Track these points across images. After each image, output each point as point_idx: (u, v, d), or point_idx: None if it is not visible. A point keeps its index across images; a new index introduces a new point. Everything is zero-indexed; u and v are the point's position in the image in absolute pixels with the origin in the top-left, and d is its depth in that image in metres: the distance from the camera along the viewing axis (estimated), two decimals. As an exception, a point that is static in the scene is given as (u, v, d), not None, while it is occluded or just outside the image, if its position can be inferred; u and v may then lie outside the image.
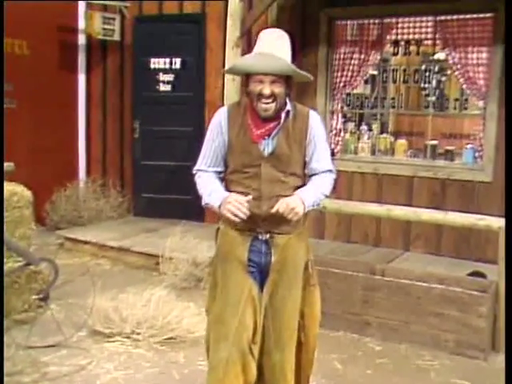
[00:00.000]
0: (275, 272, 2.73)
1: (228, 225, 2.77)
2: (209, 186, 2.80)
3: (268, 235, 2.71)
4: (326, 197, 2.83)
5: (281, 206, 2.59)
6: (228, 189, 2.78)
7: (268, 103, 2.62)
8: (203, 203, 2.80)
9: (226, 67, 2.79)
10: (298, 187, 2.75)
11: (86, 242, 6.29)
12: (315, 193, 2.75)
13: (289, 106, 2.73)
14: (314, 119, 2.79)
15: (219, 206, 2.68)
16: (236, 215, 2.59)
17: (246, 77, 2.69)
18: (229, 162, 2.79)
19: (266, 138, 2.69)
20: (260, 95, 2.62)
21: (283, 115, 2.70)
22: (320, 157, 2.78)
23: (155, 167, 7.22)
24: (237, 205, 2.59)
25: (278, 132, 2.70)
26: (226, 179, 2.82)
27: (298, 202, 2.62)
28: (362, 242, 6.07)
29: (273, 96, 2.61)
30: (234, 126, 2.74)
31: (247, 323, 2.69)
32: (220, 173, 2.85)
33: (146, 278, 5.48)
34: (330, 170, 2.82)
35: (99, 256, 6.14)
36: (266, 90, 2.60)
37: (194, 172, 2.89)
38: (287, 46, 2.70)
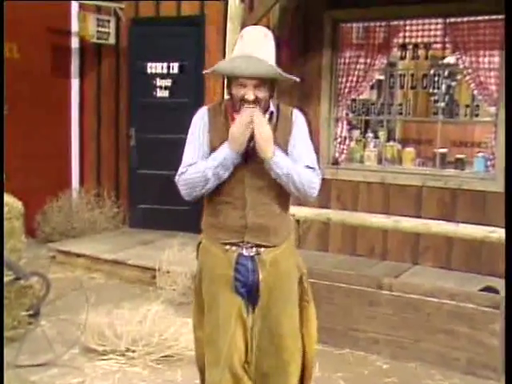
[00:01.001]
0: (265, 290, 2.69)
1: (210, 239, 2.74)
2: (202, 162, 2.66)
3: (254, 250, 2.67)
4: (302, 188, 2.63)
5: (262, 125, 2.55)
6: (208, 198, 2.74)
7: (250, 107, 2.59)
8: (210, 173, 2.61)
9: (208, 69, 2.75)
10: (286, 195, 2.71)
11: (79, 255, 6.28)
12: (292, 165, 2.60)
13: (272, 107, 2.71)
14: (298, 118, 2.76)
15: (229, 150, 2.59)
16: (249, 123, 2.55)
17: (228, 78, 2.67)
18: None
19: (249, 141, 2.62)
20: (243, 100, 2.59)
21: (267, 117, 2.68)
22: (302, 155, 2.68)
23: (152, 176, 7.21)
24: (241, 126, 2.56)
25: None
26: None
27: (271, 144, 2.56)
28: (369, 255, 6.05)
29: (256, 101, 2.59)
30: (216, 129, 2.71)
31: (238, 344, 2.69)
32: None
33: (142, 293, 5.48)
34: (314, 169, 2.69)
35: (93, 269, 6.13)
36: (250, 96, 2.57)
37: (176, 179, 2.74)
38: (271, 45, 2.67)
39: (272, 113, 2.71)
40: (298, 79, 2.71)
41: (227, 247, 2.69)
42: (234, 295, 2.69)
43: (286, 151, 2.67)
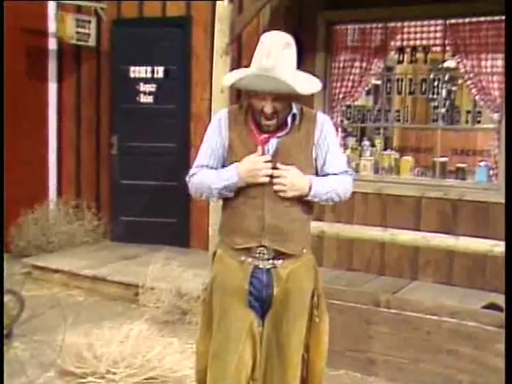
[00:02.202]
0: (278, 304, 2.75)
1: (226, 247, 2.80)
2: (212, 172, 2.76)
3: (270, 263, 2.72)
4: (340, 199, 2.84)
5: (282, 177, 2.64)
6: (225, 199, 2.80)
7: (269, 119, 2.66)
8: (215, 191, 2.73)
9: (227, 82, 2.78)
10: (304, 203, 2.77)
11: (56, 271, 6.25)
12: (328, 184, 2.75)
13: (295, 109, 2.76)
14: (322, 120, 2.82)
15: (238, 179, 2.68)
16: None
17: (247, 90, 2.72)
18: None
19: (270, 141, 2.71)
20: (262, 112, 2.65)
21: (289, 119, 2.73)
22: (333, 160, 2.80)
23: (135, 187, 7.20)
24: (257, 166, 2.64)
25: (283, 136, 2.73)
26: None
27: (303, 181, 2.67)
28: (365, 269, 6.04)
29: (275, 114, 2.65)
30: (236, 127, 2.77)
31: (246, 360, 2.75)
32: None
33: (124, 311, 5.46)
34: (347, 171, 2.84)
35: (71, 286, 6.10)
36: (268, 109, 2.63)
37: (188, 179, 2.83)
38: (293, 56, 2.69)
39: (294, 115, 2.76)
40: (319, 86, 2.78)
41: (243, 258, 2.74)
42: (246, 309, 2.75)
43: (308, 153, 2.75)
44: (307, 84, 2.70)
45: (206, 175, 2.75)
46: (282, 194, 2.66)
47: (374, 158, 6.36)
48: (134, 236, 7.17)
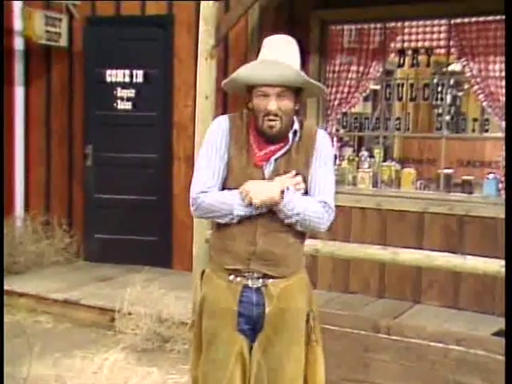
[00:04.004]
0: (270, 326, 2.78)
1: (215, 266, 2.85)
2: (230, 195, 2.77)
3: (261, 281, 2.77)
4: (308, 226, 2.80)
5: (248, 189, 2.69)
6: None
7: (273, 120, 2.70)
8: (231, 218, 2.77)
9: (225, 80, 2.85)
10: None
11: (21, 295, 6.21)
12: (305, 203, 2.75)
13: (296, 125, 2.81)
14: (322, 139, 2.87)
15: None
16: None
17: (249, 91, 2.77)
18: (224, 185, 2.83)
19: (268, 161, 2.77)
20: (265, 112, 2.70)
21: (291, 136, 2.79)
22: (318, 184, 2.82)
23: (111, 202, 7.18)
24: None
25: (282, 157, 2.79)
26: None
27: (272, 185, 2.70)
28: (363, 292, 6.05)
29: (279, 115, 2.70)
30: (236, 142, 2.81)
31: None
32: None
33: (99, 339, 5.42)
34: (326, 205, 2.80)
35: (39, 312, 6.06)
36: (272, 106, 2.69)
37: (196, 196, 2.80)
38: (296, 53, 2.80)
39: (296, 132, 2.81)
40: (325, 89, 2.88)
41: (231, 277, 2.79)
42: (235, 332, 2.80)
43: (306, 174, 2.80)
44: (313, 80, 2.80)
45: (225, 198, 2.77)
46: (248, 201, 2.69)
47: (373, 169, 6.38)
48: (109, 255, 7.15)
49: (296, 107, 2.79)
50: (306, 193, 2.80)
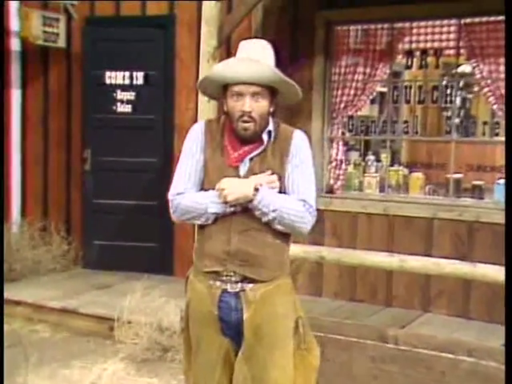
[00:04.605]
0: (250, 332, 2.81)
1: (197, 270, 2.91)
2: (205, 195, 2.84)
3: (239, 286, 2.80)
4: (289, 226, 2.81)
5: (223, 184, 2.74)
6: None
7: (247, 122, 2.75)
8: (207, 217, 2.83)
9: (200, 79, 2.94)
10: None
11: (18, 303, 6.21)
12: (281, 201, 2.78)
13: (271, 126, 2.85)
14: (298, 140, 2.90)
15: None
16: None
17: (224, 91, 2.83)
18: (202, 187, 2.89)
19: (243, 161, 2.83)
20: (240, 114, 2.75)
21: (265, 137, 2.83)
22: (294, 184, 2.84)
23: (110, 207, 7.19)
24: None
25: (256, 157, 2.83)
26: None
27: (245, 183, 2.75)
28: (370, 300, 6.04)
29: (253, 117, 2.74)
30: (211, 145, 2.88)
31: None
32: None
33: (97, 348, 5.42)
34: (306, 203, 2.81)
35: (35, 321, 6.05)
36: (247, 107, 2.73)
37: (172, 198, 2.91)
38: (272, 56, 2.87)
39: (270, 132, 2.85)
40: (301, 93, 2.88)
41: (211, 282, 2.83)
42: (220, 337, 2.85)
43: (282, 174, 2.83)
44: (290, 80, 2.83)
45: (200, 198, 2.84)
46: (223, 198, 2.74)
47: (380, 174, 6.39)
48: (108, 262, 7.15)
49: (271, 109, 2.83)
50: (281, 192, 2.82)
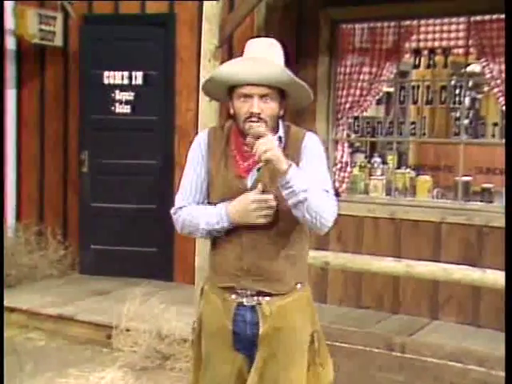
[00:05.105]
0: (265, 347, 2.77)
1: (211, 283, 2.88)
2: (201, 211, 2.80)
3: (255, 299, 2.76)
4: (316, 214, 2.60)
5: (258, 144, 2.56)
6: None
7: (256, 122, 2.64)
8: (204, 232, 2.80)
9: (204, 80, 2.87)
10: (297, 234, 2.77)
11: (12, 310, 6.19)
12: (308, 183, 2.59)
13: (281, 131, 2.78)
14: (310, 140, 2.81)
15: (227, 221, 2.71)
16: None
17: (230, 93, 2.74)
18: (208, 199, 2.85)
19: (252, 171, 2.74)
20: (247, 115, 2.65)
21: (276, 142, 2.70)
22: (314, 174, 2.69)
23: (109, 211, 7.19)
24: (250, 207, 2.66)
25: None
26: None
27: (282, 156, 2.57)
28: (376, 307, 6.04)
29: (262, 118, 2.64)
30: (215, 155, 2.81)
31: None
32: None
33: (95, 357, 5.41)
34: (327, 191, 2.69)
35: (31, 328, 6.05)
36: (255, 108, 2.64)
37: (173, 212, 2.90)
38: (281, 55, 2.79)
39: (280, 138, 2.76)
40: (312, 96, 2.81)
41: (226, 295, 2.80)
42: (233, 352, 2.81)
43: None
44: (300, 81, 2.74)
45: (195, 212, 2.81)
46: (258, 154, 2.55)
47: (386, 177, 6.38)
48: (106, 268, 7.15)
49: (281, 112, 2.74)
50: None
